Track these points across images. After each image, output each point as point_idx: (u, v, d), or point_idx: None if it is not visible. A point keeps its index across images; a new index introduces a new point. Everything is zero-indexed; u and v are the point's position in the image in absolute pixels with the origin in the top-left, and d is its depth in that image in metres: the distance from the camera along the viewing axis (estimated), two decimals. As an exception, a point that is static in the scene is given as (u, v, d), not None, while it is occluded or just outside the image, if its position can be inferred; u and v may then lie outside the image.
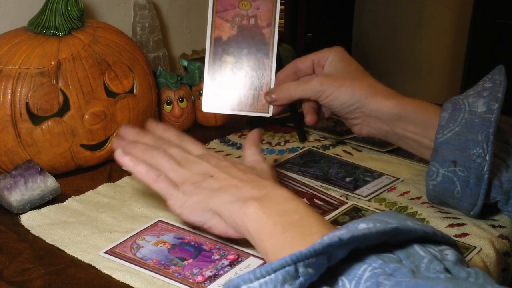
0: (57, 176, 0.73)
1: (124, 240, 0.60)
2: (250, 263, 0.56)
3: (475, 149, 0.61)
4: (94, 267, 0.57)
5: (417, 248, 0.42)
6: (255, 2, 0.78)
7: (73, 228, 0.63)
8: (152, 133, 0.66)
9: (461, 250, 0.45)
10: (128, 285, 0.54)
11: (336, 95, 0.72)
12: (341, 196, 0.72)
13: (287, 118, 0.93)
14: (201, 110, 0.93)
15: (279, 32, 0.79)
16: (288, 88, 0.75)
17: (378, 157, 0.84)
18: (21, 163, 0.70)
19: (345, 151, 0.86)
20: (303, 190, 0.72)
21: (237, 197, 0.53)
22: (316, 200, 0.70)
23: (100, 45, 0.78)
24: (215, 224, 0.56)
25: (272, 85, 0.78)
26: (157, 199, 0.66)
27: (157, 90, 0.90)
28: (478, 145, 0.61)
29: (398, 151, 0.85)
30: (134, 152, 0.61)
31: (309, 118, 0.77)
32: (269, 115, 0.78)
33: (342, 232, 0.40)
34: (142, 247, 0.59)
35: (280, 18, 0.79)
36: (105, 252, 0.58)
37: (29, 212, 0.66)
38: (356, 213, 0.67)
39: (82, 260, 0.58)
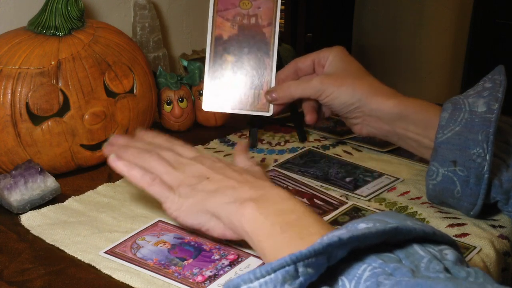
0: (57, 176, 0.73)
1: (124, 240, 0.60)
2: (250, 263, 0.56)
3: (475, 149, 0.61)
4: (94, 267, 0.57)
5: (416, 248, 0.42)
6: (255, 1, 0.78)
7: (73, 228, 0.63)
8: (142, 139, 0.65)
9: (461, 250, 0.45)
10: (128, 285, 0.54)
11: (336, 94, 0.72)
12: (341, 196, 0.72)
13: (287, 118, 0.93)
14: (201, 110, 0.93)
15: (279, 32, 0.79)
16: (289, 87, 0.75)
17: (378, 157, 0.84)
18: (21, 163, 0.70)
19: (345, 151, 0.86)
20: (303, 190, 0.72)
21: (234, 198, 0.53)
22: (316, 200, 0.70)
23: (100, 45, 0.78)
24: (213, 226, 0.55)
25: (273, 84, 0.78)
26: (157, 199, 0.66)
27: (157, 90, 0.90)
28: (478, 145, 0.61)
29: (398, 151, 0.85)
30: (126, 156, 0.60)
31: (309, 117, 0.77)
32: (270, 114, 0.78)
33: (342, 232, 0.40)
34: (142, 247, 0.59)
35: (280, 18, 0.79)
36: (105, 252, 0.58)
37: (29, 212, 0.66)
38: (356, 213, 0.67)
39: (82, 260, 0.58)
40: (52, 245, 0.61)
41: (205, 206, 0.55)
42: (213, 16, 0.78)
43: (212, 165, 0.59)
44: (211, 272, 0.55)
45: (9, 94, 0.71)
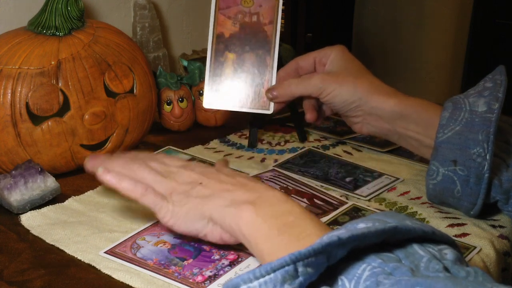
0: (57, 176, 0.73)
1: (124, 240, 0.60)
2: (250, 263, 0.56)
3: (475, 149, 0.61)
4: (94, 267, 0.56)
5: (416, 247, 0.42)
6: None
7: (73, 228, 0.63)
8: (124, 156, 0.63)
9: (460, 249, 0.45)
10: (128, 285, 0.54)
11: (337, 92, 0.72)
12: (341, 196, 0.71)
13: (287, 118, 0.93)
14: (201, 110, 0.94)
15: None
16: (289, 85, 0.75)
17: (378, 157, 0.84)
18: (21, 163, 0.70)
19: (345, 151, 0.86)
20: (303, 190, 0.72)
21: (231, 201, 0.52)
22: (316, 200, 0.70)
23: (100, 45, 0.78)
24: (210, 231, 0.55)
25: (274, 82, 0.78)
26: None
27: (157, 90, 0.90)
28: (479, 144, 0.61)
29: (398, 151, 0.85)
30: (114, 168, 0.58)
31: (309, 116, 0.77)
32: (270, 112, 0.78)
33: (341, 232, 0.40)
34: (142, 247, 0.59)
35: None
36: (105, 252, 0.58)
37: (29, 212, 0.66)
38: (356, 213, 0.67)
39: (82, 260, 0.58)
40: (52, 245, 0.61)
41: (202, 211, 0.54)
42: (214, 14, 0.78)
43: (203, 170, 0.59)
44: (211, 272, 0.55)
45: (9, 94, 0.71)
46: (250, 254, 0.57)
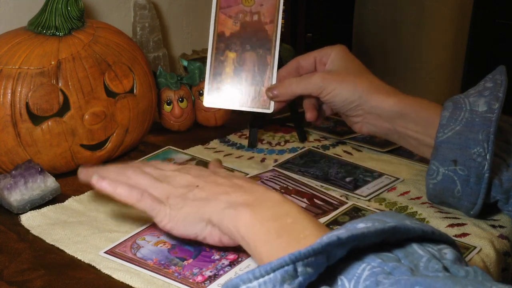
0: (57, 176, 0.73)
1: (124, 240, 0.60)
2: (250, 263, 0.56)
3: (475, 148, 0.61)
4: (94, 267, 0.56)
5: (415, 247, 0.42)
6: None
7: (73, 228, 0.63)
8: (116, 166, 0.62)
9: (460, 249, 0.45)
10: (128, 285, 0.54)
11: (338, 91, 0.72)
12: (341, 196, 0.71)
13: (287, 118, 0.93)
14: (201, 110, 0.94)
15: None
16: (290, 84, 0.75)
17: (378, 157, 0.84)
18: (21, 163, 0.70)
19: (345, 151, 0.86)
20: (303, 190, 0.72)
21: (229, 204, 0.52)
22: (316, 200, 0.70)
23: (100, 45, 0.78)
24: (209, 234, 0.54)
25: (274, 82, 0.78)
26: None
27: (157, 90, 0.90)
28: (479, 144, 0.61)
29: (398, 151, 0.85)
30: (109, 175, 0.58)
31: (310, 115, 0.77)
32: (270, 111, 0.78)
33: (341, 232, 0.40)
34: (142, 247, 0.59)
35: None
36: (105, 252, 0.58)
37: (29, 212, 0.66)
38: (356, 213, 0.67)
39: (82, 260, 0.58)
40: (52, 245, 0.61)
41: (200, 214, 0.54)
42: (215, 13, 0.78)
43: (198, 173, 0.58)
44: (211, 272, 0.55)
45: (9, 94, 0.71)
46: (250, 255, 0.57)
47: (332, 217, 0.66)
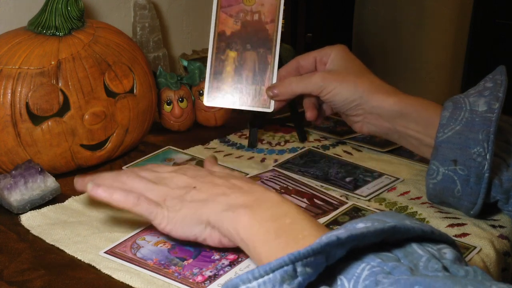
0: (57, 176, 0.73)
1: (124, 240, 0.60)
2: (250, 264, 0.56)
3: (475, 148, 0.61)
4: (94, 267, 0.56)
5: (415, 247, 0.42)
6: None
7: (73, 228, 0.63)
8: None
9: (460, 249, 0.45)
10: (128, 285, 0.54)
11: (338, 90, 0.72)
12: (341, 196, 0.71)
13: (287, 118, 0.93)
14: (201, 110, 0.94)
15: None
16: (290, 83, 0.75)
17: (378, 157, 0.84)
18: (21, 163, 0.70)
19: (345, 151, 0.86)
20: (303, 190, 0.72)
21: (228, 206, 0.52)
22: (316, 200, 0.70)
23: (100, 45, 0.78)
24: (209, 236, 0.54)
25: (274, 81, 0.78)
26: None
27: (157, 90, 0.90)
28: (479, 144, 0.61)
29: (398, 151, 0.85)
30: (104, 181, 0.58)
31: (310, 114, 0.77)
32: (270, 110, 0.78)
33: (340, 232, 0.40)
34: (142, 247, 0.59)
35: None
36: (105, 252, 0.58)
37: (29, 212, 0.66)
38: (356, 213, 0.67)
39: (82, 260, 0.58)
40: (52, 245, 0.61)
41: (198, 215, 0.54)
42: (216, 12, 0.79)
43: (195, 173, 0.58)
44: (211, 272, 0.55)
45: (9, 94, 0.71)
46: (250, 254, 0.57)
47: (332, 217, 0.66)
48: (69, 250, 0.59)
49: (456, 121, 0.63)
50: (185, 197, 0.55)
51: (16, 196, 0.66)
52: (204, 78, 0.80)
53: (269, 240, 0.48)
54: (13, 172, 0.68)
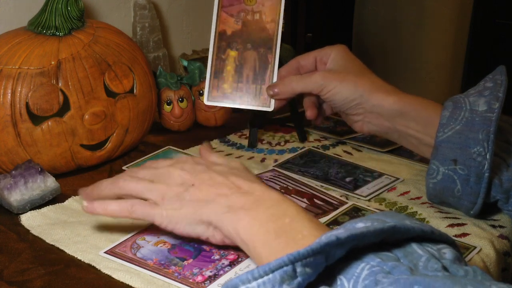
0: (57, 176, 0.73)
1: (124, 240, 0.60)
2: (250, 264, 0.56)
3: (475, 148, 0.61)
4: (94, 267, 0.57)
5: (415, 246, 0.42)
6: None
7: (73, 228, 0.63)
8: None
9: (460, 249, 0.45)
10: (128, 285, 0.54)
11: (338, 89, 0.72)
12: (341, 196, 0.71)
13: (287, 118, 0.93)
14: (201, 110, 0.94)
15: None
16: (290, 82, 0.75)
17: (378, 157, 0.84)
18: (21, 163, 0.70)
19: (345, 151, 0.86)
20: (303, 190, 0.72)
21: (228, 207, 0.52)
22: (316, 200, 0.70)
23: (100, 45, 0.78)
24: (212, 235, 0.55)
25: (275, 80, 0.78)
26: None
27: (157, 90, 0.90)
28: (479, 143, 0.61)
29: (398, 151, 0.85)
30: (100, 190, 0.58)
31: (310, 113, 0.77)
32: (271, 109, 0.79)
33: (340, 231, 0.40)
34: (142, 247, 0.59)
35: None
36: (105, 252, 0.58)
37: (29, 212, 0.66)
38: (356, 213, 0.67)
39: (82, 260, 0.58)
40: (52, 245, 0.61)
41: (199, 216, 0.54)
42: (217, 12, 0.79)
43: (193, 168, 0.57)
44: (211, 272, 0.55)
45: (9, 94, 0.71)
46: (250, 254, 0.57)
47: (332, 217, 0.66)
48: (69, 250, 0.59)
49: (456, 120, 0.63)
50: (183, 195, 0.55)
51: (16, 196, 0.66)
52: (204, 78, 0.80)
53: (269, 240, 0.48)
54: (13, 172, 0.68)
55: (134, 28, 1.08)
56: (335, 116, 0.93)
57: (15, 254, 0.59)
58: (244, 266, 0.56)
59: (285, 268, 0.38)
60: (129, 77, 0.80)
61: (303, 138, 0.90)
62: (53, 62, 0.73)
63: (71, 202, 0.69)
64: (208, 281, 0.54)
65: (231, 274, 0.55)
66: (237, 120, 0.96)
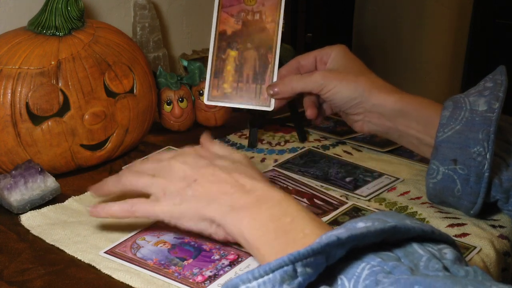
0: (57, 176, 0.73)
1: (124, 240, 0.60)
2: (250, 263, 0.56)
3: (475, 148, 0.61)
4: (94, 267, 0.57)
5: (415, 246, 0.42)
6: None
7: (73, 228, 0.63)
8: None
9: (460, 249, 0.45)
10: (128, 285, 0.54)
11: (338, 89, 0.72)
12: (341, 196, 0.71)
13: (287, 118, 0.93)
14: (201, 110, 0.94)
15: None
16: (291, 81, 0.75)
17: (378, 157, 0.84)
18: (21, 163, 0.70)
19: (345, 151, 0.86)
20: (303, 190, 0.72)
21: (230, 207, 0.52)
22: (316, 200, 0.70)
23: (100, 45, 0.78)
24: (215, 232, 0.55)
25: (275, 80, 0.78)
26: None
27: (157, 90, 0.90)
28: (479, 143, 0.61)
29: (398, 151, 0.85)
30: (106, 188, 0.61)
31: (310, 112, 0.77)
32: (271, 109, 0.79)
33: (340, 231, 0.40)
34: (142, 247, 0.59)
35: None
36: (105, 252, 0.58)
37: (29, 212, 0.66)
38: (356, 213, 0.67)
39: (82, 260, 0.58)
40: (52, 245, 0.61)
41: (202, 213, 0.54)
42: (217, 12, 0.79)
43: (196, 162, 0.57)
44: (211, 272, 0.55)
45: (9, 94, 0.71)
46: (250, 254, 0.57)
47: (332, 217, 0.66)
48: (69, 250, 0.59)
49: (456, 120, 0.63)
50: (185, 190, 0.55)
51: (16, 196, 0.66)
52: (204, 78, 0.80)
53: (270, 240, 0.48)
54: (13, 172, 0.68)
55: (134, 28, 1.08)
56: (335, 116, 0.93)
57: (15, 254, 0.59)
58: (244, 266, 0.56)
59: (285, 268, 0.39)
60: (129, 77, 0.80)
61: (303, 138, 0.90)
62: (53, 62, 0.73)
63: (71, 202, 0.69)
64: (208, 281, 0.54)
65: (231, 274, 0.55)
66: (237, 120, 0.96)
